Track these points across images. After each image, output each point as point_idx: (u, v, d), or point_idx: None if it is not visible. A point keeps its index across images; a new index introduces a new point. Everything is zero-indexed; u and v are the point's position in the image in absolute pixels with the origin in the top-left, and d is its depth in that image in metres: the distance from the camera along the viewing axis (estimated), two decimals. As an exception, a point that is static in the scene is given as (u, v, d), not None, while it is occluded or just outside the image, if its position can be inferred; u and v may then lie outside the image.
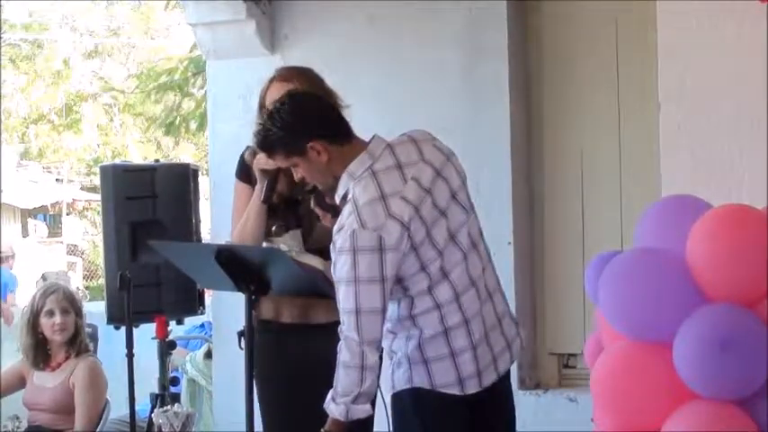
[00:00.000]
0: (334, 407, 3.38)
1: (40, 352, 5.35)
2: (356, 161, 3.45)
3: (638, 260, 3.16)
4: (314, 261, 3.68)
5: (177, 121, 11.76)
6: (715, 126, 4.58)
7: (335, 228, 3.41)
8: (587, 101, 5.63)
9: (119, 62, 22.02)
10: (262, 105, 3.97)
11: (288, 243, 3.78)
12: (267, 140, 3.54)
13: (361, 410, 3.38)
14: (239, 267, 3.56)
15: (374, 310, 3.34)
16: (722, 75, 4.56)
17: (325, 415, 3.42)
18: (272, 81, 3.97)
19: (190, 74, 11.78)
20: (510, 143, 5.60)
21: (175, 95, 12.21)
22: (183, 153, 19.28)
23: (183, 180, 5.01)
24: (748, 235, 2.99)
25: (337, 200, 3.50)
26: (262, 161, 3.83)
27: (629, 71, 5.50)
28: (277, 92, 3.87)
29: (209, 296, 5.75)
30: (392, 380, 3.55)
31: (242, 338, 3.66)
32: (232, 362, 4.90)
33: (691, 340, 2.93)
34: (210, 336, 7.20)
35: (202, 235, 5.36)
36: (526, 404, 5.45)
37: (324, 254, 3.78)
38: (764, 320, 2.96)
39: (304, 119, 3.51)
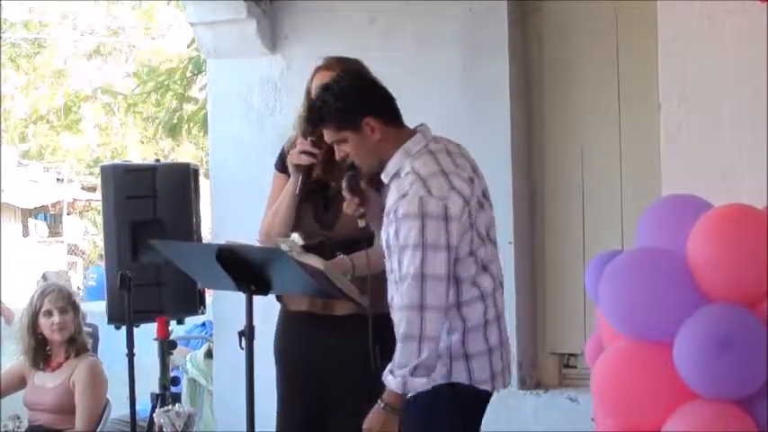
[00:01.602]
0: (392, 379, 3.38)
1: (40, 352, 5.35)
2: (412, 141, 3.51)
3: (638, 260, 3.16)
4: (314, 261, 3.68)
5: (179, 123, 11.74)
6: (715, 126, 4.58)
7: (395, 197, 3.42)
8: (587, 101, 5.63)
9: (119, 62, 22.01)
10: (309, 92, 3.99)
11: (289, 243, 3.79)
12: (321, 111, 3.54)
13: (418, 383, 3.39)
14: (240, 267, 3.57)
15: (439, 277, 3.35)
16: (722, 75, 4.56)
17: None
18: (317, 69, 4.00)
19: (190, 74, 11.76)
20: (510, 143, 5.60)
21: (174, 97, 12.20)
22: (184, 153, 19.28)
23: (183, 180, 5.02)
24: (749, 235, 2.99)
25: (386, 179, 3.52)
26: (294, 157, 3.88)
27: (630, 71, 5.50)
28: (320, 80, 3.90)
29: (209, 296, 5.75)
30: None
31: (243, 338, 3.67)
32: (233, 362, 4.90)
33: (691, 340, 2.93)
34: (211, 335, 7.20)
35: (203, 234, 5.37)
36: (526, 404, 5.45)
37: (348, 244, 3.83)
38: (765, 320, 2.96)
39: (363, 92, 3.55)
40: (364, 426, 3.46)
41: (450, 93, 5.69)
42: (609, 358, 3.18)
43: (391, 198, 3.47)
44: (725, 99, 4.56)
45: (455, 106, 5.64)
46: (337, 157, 3.59)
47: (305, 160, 3.85)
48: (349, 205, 3.63)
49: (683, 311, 2.98)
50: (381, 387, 3.83)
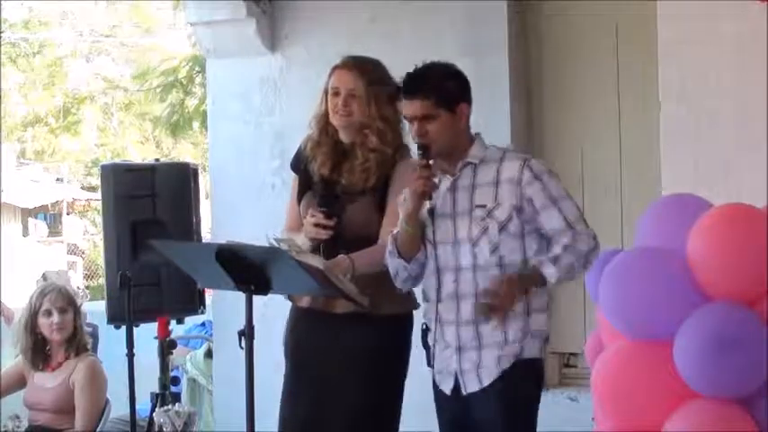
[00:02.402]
0: (554, 270, 3.54)
1: (39, 352, 5.34)
2: (480, 136, 3.79)
3: (638, 259, 3.17)
4: (314, 260, 3.68)
5: (181, 121, 11.75)
6: (715, 126, 4.58)
7: (515, 166, 3.64)
8: (587, 100, 5.63)
9: (118, 61, 22.01)
10: (326, 92, 4.01)
11: (288, 243, 3.79)
12: (425, 84, 3.69)
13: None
14: (239, 266, 3.56)
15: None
16: (722, 75, 4.57)
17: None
18: (335, 68, 4.03)
19: (194, 72, 11.77)
20: (510, 143, 5.59)
21: (178, 93, 12.20)
22: (183, 152, 19.29)
23: (183, 179, 5.01)
24: (748, 234, 2.99)
25: (475, 161, 3.70)
26: (312, 231, 3.90)
27: (630, 71, 5.50)
28: (338, 79, 3.96)
29: (209, 295, 5.74)
30: (520, 348, 3.63)
31: (242, 338, 3.67)
32: (232, 361, 4.90)
33: (691, 339, 2.93)
34: (211, 335, 7.20)
35: (202, 234, 5.36)
36: (526, 403, 5.44)
37: (354, 243, 3.85)
38: (764, 319, 2.96)
39: (466, 83, 3.79)
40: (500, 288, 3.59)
41: (449, 92, 5.68)
42: (609, 357, 3.18)
43: (494, 174, 3.65)
44: (725, 99, 4.56)
45: (455, 106, 5.63)
46: (414, 132, 3.67)
47: (323, 235, 3.88)
48: (426, 184, 3.64)
49: (683, 311, 2.99)
50: (382, 384, 3.86)
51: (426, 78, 3.70)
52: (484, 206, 3.64)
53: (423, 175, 3.62)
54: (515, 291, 3.56)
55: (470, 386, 3.66)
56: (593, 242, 3.57)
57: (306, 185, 4.06)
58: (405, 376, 3.97)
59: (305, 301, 4.00)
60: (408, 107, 3.68)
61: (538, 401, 3.70)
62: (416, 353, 3.90)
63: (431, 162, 3.64)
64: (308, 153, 4.04)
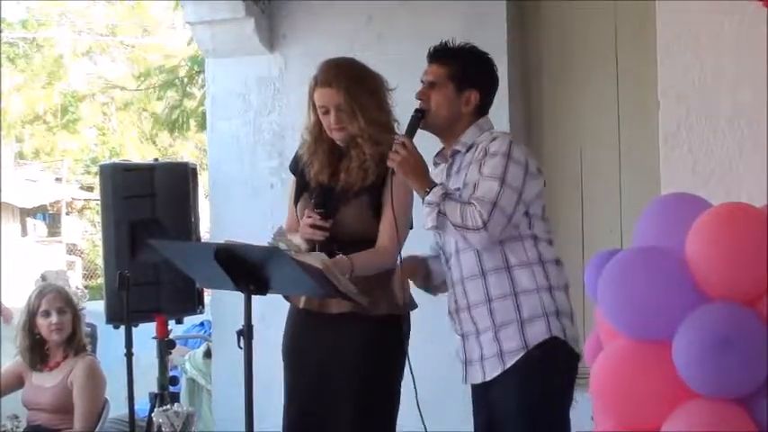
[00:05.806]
0: (436, 201, 3.56)
1: (37, 352, 5.34)
2: (483, 120, 3.75)
3: (637, 259, 3.16)
4: (313, 260, 3.67)
5: (182, 119, 11.78)
6: (715, 125, 4.58)
7: (486, 142, 3.62)
8: (587, 100, 5.63)
9: (116, 60, 22.00)
10: (313, 103, 4.01)
11: (287, 242, 3.78)
12: (456, 55, 3.70)
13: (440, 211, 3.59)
14: (238, 266, 3.56)
15: (505, 213, 3.55)
16: (722, 74, 4.56)
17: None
18: (315, 86, 4.00)
19: (194, 72, 11.80)
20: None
21: (177, 93, 12.22)
22: (182, 149, 19.29)
23: (182, 179, 5.01)
24: (748, 233, 2.98)
25: (461, 149, 3.69)
26: (307, 232, 3.88)
27: (629, 70, 5.50)
28: (320, 97, 3.96)
29: (207, 295, 5.74)
30: (523, 339, 3.64)
31: (241, 338, 3.67)
32: (231, 361, 4.89)
33: (690, 339, 2.92)
34: (210, 335, 7.20)
35: (201, 234, 5.36)
36: (525, 403, 5.43)
37: (352, 244, 3.85)
38: (764, 319, 2.95)
39: (490, 76, 3.76)
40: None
41: (449, 92, 5.68)
42: (608, 357, 3.17)
43: (471, 156, 3.65)
44: (724, 99, 4.56)
45: (454, 106, 5.63)
46: (418, 95, 3.72)
47: (318, 236, 3.88)
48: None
49: (682, 310, 2.98)
50: (376, 385, 3.85)
51: (454, 50, 3.72)
52: (459, 189, 3.67)
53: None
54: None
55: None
56: (478, 222, 3.51)
57: (302, 188, 4.06)
58: (401, 375, 3.96)
59: (301, 302, 4.00)
60: (426, 69, 3.74)
61: None
62: (417, 354, 3.89)
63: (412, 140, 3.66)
64: (305, 159, 4.04)
